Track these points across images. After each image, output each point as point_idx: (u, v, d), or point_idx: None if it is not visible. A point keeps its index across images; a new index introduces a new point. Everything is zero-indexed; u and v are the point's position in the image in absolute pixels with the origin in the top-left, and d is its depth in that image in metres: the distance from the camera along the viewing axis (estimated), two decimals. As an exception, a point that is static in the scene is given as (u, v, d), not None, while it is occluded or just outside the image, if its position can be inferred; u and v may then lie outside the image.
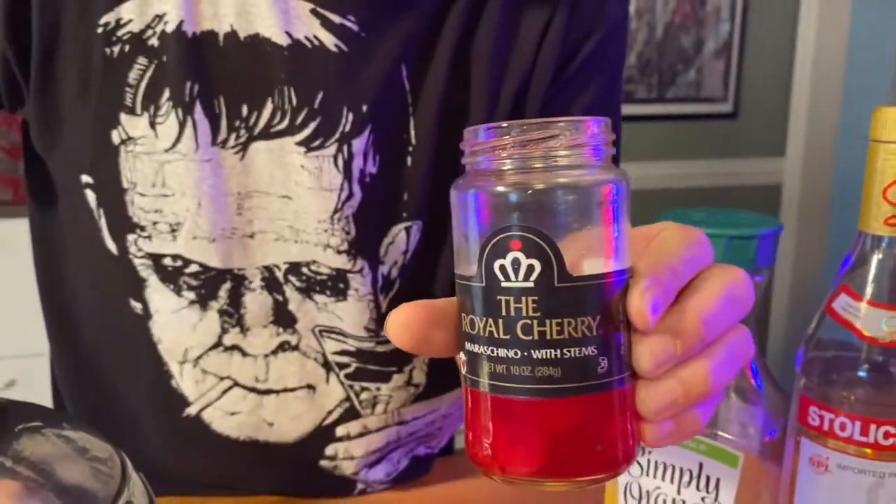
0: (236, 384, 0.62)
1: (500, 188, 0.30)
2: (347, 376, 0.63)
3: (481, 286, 0.30)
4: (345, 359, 0.63)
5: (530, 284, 0.29)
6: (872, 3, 2.58)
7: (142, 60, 0.56)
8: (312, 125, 0.57)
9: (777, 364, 2.64)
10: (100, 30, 0.56)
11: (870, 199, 0.41)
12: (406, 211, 0.61)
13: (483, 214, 0.30)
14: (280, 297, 0.60)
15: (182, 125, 0.56)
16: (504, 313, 0.30)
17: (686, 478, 0.46)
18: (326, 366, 0.63)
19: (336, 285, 0.60)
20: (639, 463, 0.48)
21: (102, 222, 0.59)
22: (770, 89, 2.57)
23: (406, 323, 0.33)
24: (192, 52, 0.56)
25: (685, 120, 2.52)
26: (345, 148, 0.58)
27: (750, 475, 0.44)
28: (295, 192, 0.58)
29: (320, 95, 0.57)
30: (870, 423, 0.41)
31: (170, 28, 0.56)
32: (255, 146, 0.57)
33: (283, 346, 0.62)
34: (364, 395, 0.64)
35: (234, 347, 0.61)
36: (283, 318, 0.61)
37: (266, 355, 0.62)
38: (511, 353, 0.30)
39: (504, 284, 0.30)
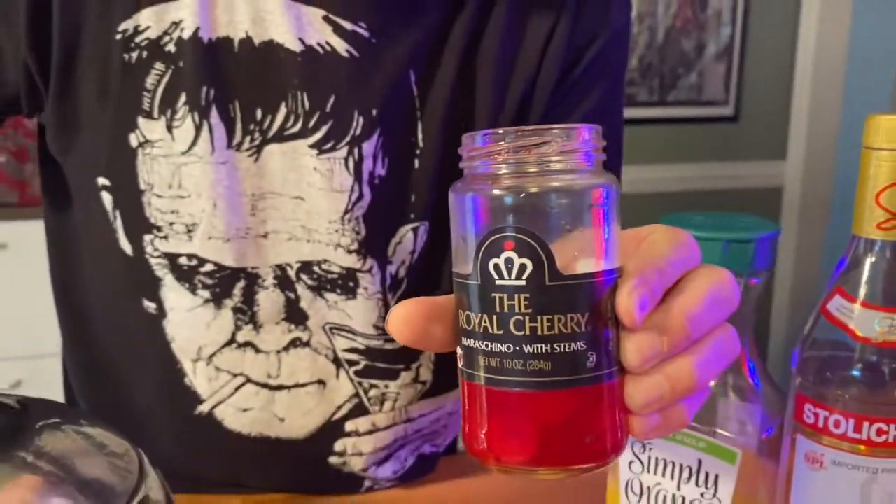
0: (249, 380, 0.63)
1: (496, 191, 0.31)
2: (357, 373, 0.64)
3: (477, 284, 0.32)
4: (354, 356, 0.64)
5: (522, 283, 0.31)
6: (873, 7, 2.58)
7: (159, 66, 0.57)
8: (324, 128, 0.59)
9: (778, 364, 2.65)
10: (118, 36, 0.57)
11: (863, 203, 0.42)
12: (413, 212, 0.63)
13: (479, 216, 0.32)
14: (292, 295, 0.62)
15: (198, 128, 0.57)
16: (498, 310, 0.31)
17: (686, 474, 0.47)
18: (336, 362, 0.64)
19: (346, 284, 0.62)
20: (640, 460, 0.49)
21: (118, 223, 0.60)
22: (771, 93, 2.58)
23: (406, 318, 0.34)
24: (208, 58, 0.57)
25: (686, 123, 2.52)
26: (355, 150, 0.59)
27: (748, 471, 0.45)
28: (307, 193, 0.60)
29: (332, 99, 0.59)
30: (863, 421, 0.42)
31: (186, 34, 0.57)
32: (268, 149, 0.59)
33: (294, 343, 0.63)
34: (373, 392, 0.65)
35: (248, 344, 0.62)
36: (294, 315, 0.62)
37: (278, 352, 0.63)
38: (504, 348, 0.31)
39: (498, 282, 0.31)
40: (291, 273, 0.61)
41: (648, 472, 0.48)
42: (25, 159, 2.05)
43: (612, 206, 0.32)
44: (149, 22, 0.57)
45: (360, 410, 0.66)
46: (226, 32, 0.58)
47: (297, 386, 0.64)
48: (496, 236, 0.31)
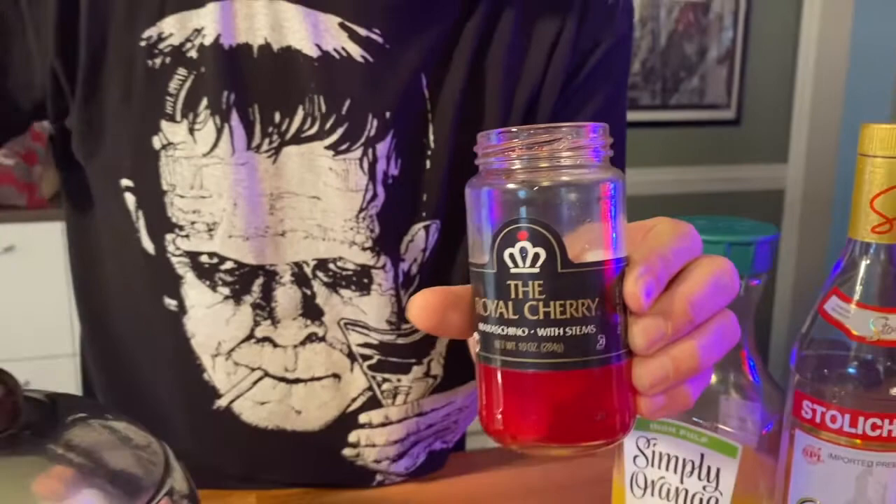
0: (267, 374, 0.65)
1: (510, 185, 0.34)
2: (370, 367, 0.66)
3: (493, 272, 0.34)
4: (368, 351, 0.66)
5: (536, 270, 0.33)
6: (874, 11, 2.59)
7: (181, 71, 0.59)
8: (340, 130, 0.61)
9: (780, 362, 2.66)
10: (143, 43, 0.59)
11: (858, 208, 0.44)
12: (425, 211, 0.65)
13: (494, 209, 0.34)
14: (308, 292, 0.64)
15: (219, 131, 0.59)
16: (513, 296, 0.33)
17: (689, 468, 0.48)
18: (351, 356, 0.66)
19: (360, 280, 0.64)
20: (644, 455, 0.50)
21: (141, 223, 0.62)
22: (772, 96, 2.58)
23: (425, 305, 0.36)
24: (229, 64, 0.59)
25: (688, 126, 2.53)
26: (369, 151, 0.61)
27: (748, 465, 0.47)
28: (323, 193, 0.62)
29: (347, 103, 0.61)
30: (858, 416, 0.44)
31: (208, 41, 0.59)
32: (286, 150, 0.61)
33: (310, 338, 0.65)
34: (385, 386, 0.67)
35: (266, 339, 0.64)
36: (311, 311, 0.64)
37: (295, 346, 0.65)
38: (519, 332, 0.33)
39: (513, 270, 0.33)
40: (308, 270, 0.63)
41: (653, 466, 0.50)
42: (34, 162, 2.06)
43: (619, 198, 0.34)
44: (172, 29, 0.59)
45: (373, 403, 0.67)
46: (246, 39, 0.60)
47: (313, 379, 0.66)
48: (511, 227, 0.33)
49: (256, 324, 0.64)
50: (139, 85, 0.59)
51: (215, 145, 0.60)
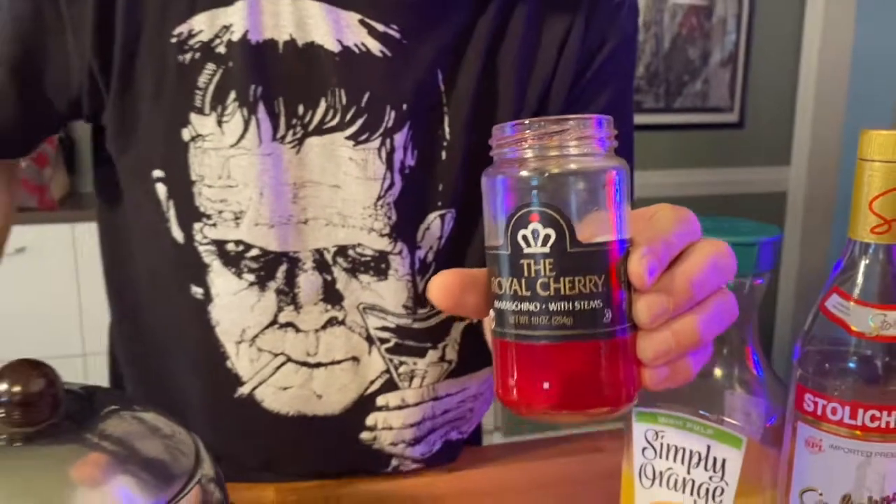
0: (289, 359, 0.67)
1: (523, 173, 0.36)
2: (388, 350, 0.69)
3: (507, 253, 0.36)
4: (385, 334, 0.68)
5: (547, 250, 0.35)
6: (877, 14, 2.60)
7: (210, 66, 0.62)
8: (360, 122, 0.63)
9: (783, 358, 2.67)
10: (174, 39, 0.61)
11: (858, 210, 0.45)
12: (441, 200, 0.67)
13: (508, 194, 0.37)
14: (329, 277, 0.66)
15: (246, 123, 0.62)
16: (526, 274, 0.36)
17: (695, 459, 0.49)
18: (369, 339, 0.68)
19: (378, 266, 0.66)
20: (652, 447, 0.52)
21: (171, 213, 0.65)
22: (775, 99, 2.59)
23: (444, 286, 0.39)
24: (256, 59, 0.62)
25: (692, 129, 2.54)
26: (387, 142, 0.64)
27: (752, 456, 0.48)
28: (343, 182, 0.64)
29: (367, 96, 0.63)
30: (858, 408, 0.45)
31: (236, 37, 0.61)
32: (309, 141, 0.63)
33: (331, 322, 0.67)
34: (402, 369, 0.69)
35: (289, 324, 0.67)
36: (331, 296, 0.67)
37: (316, 330, 0.67)
38: (532, 307, 0.36)
39: (526, 251, 0.36)
40: (328, 256, 0.66)
41: (660, 457, 0.51)
42: (44, 164, 2.07)
43: (623, 184, 0.37)
44: (202, 26, 0.61)
45: (390, 385, 0.70)
46: (271, 35, 0.62)
47: (333, 363, 0.68)
48: (523, 210, 0.36)
49: (280, 309, 0.66)
50: (170, 79, 0.62)
51: (242, 137, 0.62)
